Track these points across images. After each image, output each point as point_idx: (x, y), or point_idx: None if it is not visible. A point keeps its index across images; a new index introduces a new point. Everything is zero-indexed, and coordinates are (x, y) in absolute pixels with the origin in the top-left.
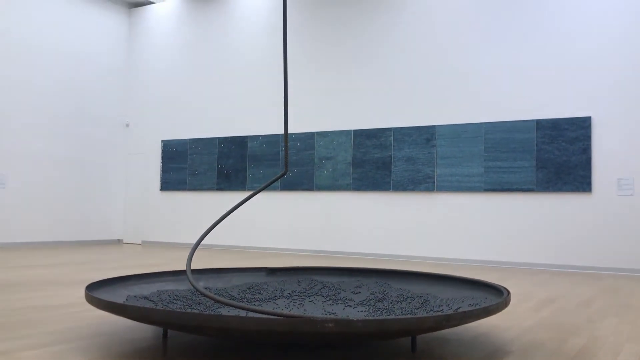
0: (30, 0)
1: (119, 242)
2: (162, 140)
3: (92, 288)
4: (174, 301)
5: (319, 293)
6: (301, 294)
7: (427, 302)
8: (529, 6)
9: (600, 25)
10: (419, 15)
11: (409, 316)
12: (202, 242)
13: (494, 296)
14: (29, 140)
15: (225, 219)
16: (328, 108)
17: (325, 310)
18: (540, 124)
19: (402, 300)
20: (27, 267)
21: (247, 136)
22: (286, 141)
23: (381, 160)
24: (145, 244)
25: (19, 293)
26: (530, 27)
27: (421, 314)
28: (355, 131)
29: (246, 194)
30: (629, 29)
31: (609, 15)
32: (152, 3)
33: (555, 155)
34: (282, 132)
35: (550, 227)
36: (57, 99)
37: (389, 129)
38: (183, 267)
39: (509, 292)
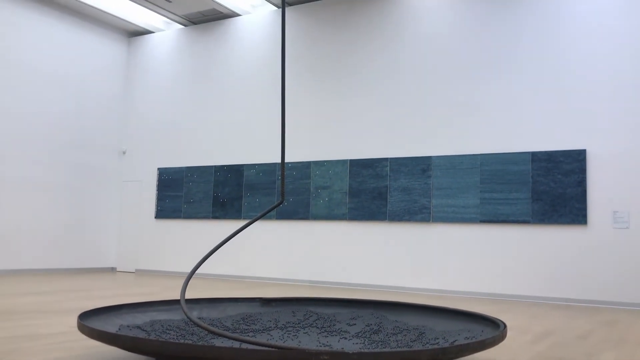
0: (29, 26)
1: (113, 270)
2: (159, 168)
3: (85, 317)
4: (167, 331)
5: (314, 324)
6: (296, 325)
7: (423, 335)
8: (525, 40)
9: (595, 60)
10: (416, 47)
11: (405, 349)
12: (196, 271)
13: (490, 329)
14: (23, 166)
15: (220, 247)
16: (324, 137)
17: (320, 342)
18: (535, 156)
19: (398, 333)
20: (18, 295)
21: (243, 164)
22: (283, 171)
23: (377, 190)
24: (139, 272)
25: (9, 321)
26: (526, 60)
27: (417, 346)
28: (351, 161)
29: (242, 222)
30: (624, 63)
31: (604, 50)
32: (151, 32)
33: (550, 187)
34: (279, 160)
35: (546, 259)
36: (53, 126)
37: (385, 159)
38: (177, 297)
39: (505, 325)
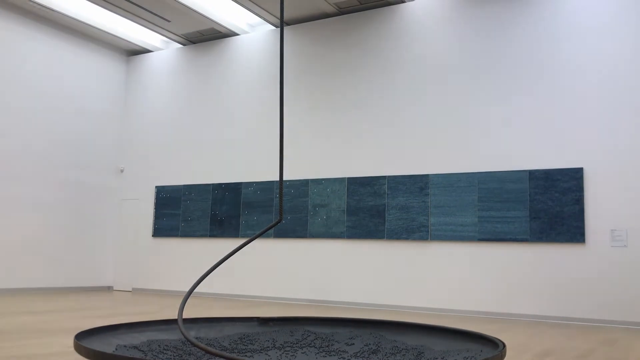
0: (26, 44)
1: (109, 289)
2: (156, 186)
3: (81, 337)
4: (164, 351)
5: (312, 344)
6: (294, 345)
7: (422, 355)
8: (522, 59)
9: (592, 78)
10: (413, 65)
11: None
12: (194, 290)
13: (489, 348)
14: (20, 184)
15: (218, 267)
16: (322, 155)
17: None
18: (532, 175)
19: (397, 352)
20: (14, 314)
21: (241, 182)
22: (281, 189)
23: (375, 208)
24: (136, 291)
25: (5, 341)
26: (523, 79)
27: None
28: (349, 179)
29: (239, 241)
30: (620, 82)
31: (600, 69)
32: (149, 51)
33: (548, 205)
34: (277, 178)
35: (544, 277)
36: (51, 144)
37: (383, 177)
38: (174, 316)
39: (504, 345)
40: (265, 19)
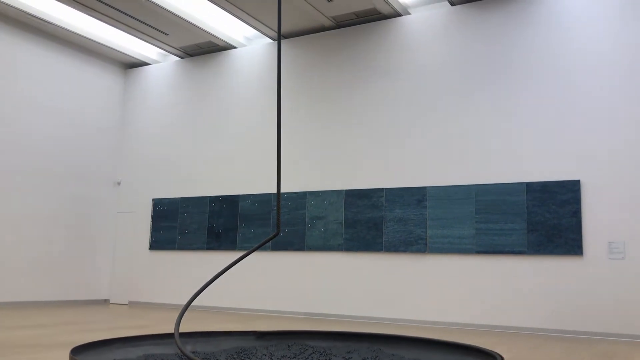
0: (24, 57)
1: (106, 302)
2: (153, 199)
3: (77, 351)
4: None
5: (310, 358)
6: (294, 359)
7: None
8: (518, 72)
9: (589, 90)
10: (410, 78)
11: None
12: (191, 304)
13: None
14: (17, 197)
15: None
16: (320, 168)
17: None
18: (530, 187)
19: None
20: (10, 329)
21: (238, 195)
22: (278, 202)
23: (372, 220)
24: (133, 304)
25: (0, 356)
26: (521, 91)
27: None
28: (346, 191)
29: (236, 254)
30: (618, 94)
31: (596, 82)
32: (147, 64)
33: (545, 218)
34: (274, 191)
35: (542, 290)
36: (48, 156)
37: (381, 190)
38: (171, 330)
39: (502, 358)
40: (262, 32)
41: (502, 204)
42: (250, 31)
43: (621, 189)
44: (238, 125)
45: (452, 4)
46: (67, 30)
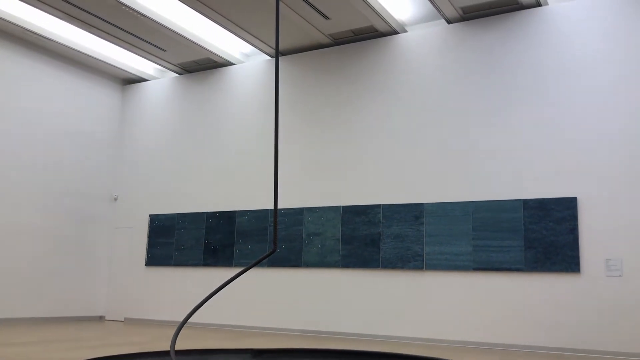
0: (21, 73)
1: (101, 319)
2: (150, 215)
3: None
4: None
5: None
6: None
7: None
8: (514, 90)
9: (583, 110)
10: (408, 95)
11: None
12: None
13: None
14: (13, 211)
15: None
16: (317, 184)
17: None
18: (527, 204)
19: None
20: (3, 345)
21: (235, 211)
22: (275, 220)
23: (370, 237)
24: (128, 320)
25: None
26: (518, 110)
27: None
28: (344, 207)
29: (233, 270)
30: (611, 113)
31: (591, 99)
32: (145, 80)
33: (542, 234)
34: (271, 207)
35: (540, 307)
36: (45, 172)
37: (378, 206)
38: (167, 347)
39: None
40: (260, 49)
41: (499, 220)
42: (247, 48)
43: (618, 206)
44: (235, 142)
45: (449, 22)
46: (65, 46)
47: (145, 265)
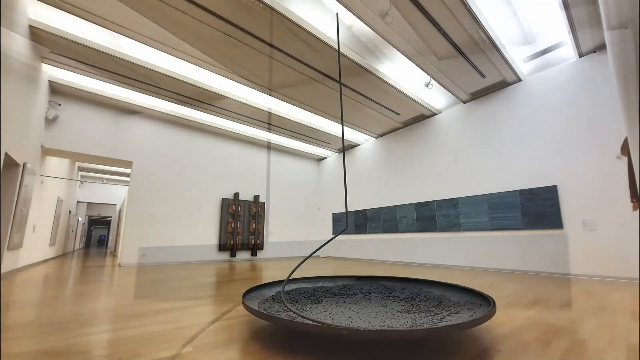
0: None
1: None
2: None
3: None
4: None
5: (381, 291)
6: (372, 292)
7: (442, 302)
8: (507, 139)
9: (557, 142)
10: (446, 146)
11: (403, 328)
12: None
13: (485, 304)
14: None
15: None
16: (402, 189)
17: (381, 303)
18: (522, 193)
19: (427, 300)
20: None
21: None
22: (346, 207)
23: (430, 217)
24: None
25: None
26: (510, 146)
27: (436, 311)
28: (416, 203)
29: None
30: (576, 139)
31: (554, 142)
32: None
33: (534, 209)
34: (381, 206)
35: (534, 248)
36: None
37: (432, 202)
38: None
39: (494, 304)
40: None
41: (504, 203)
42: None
43: (585, 189)
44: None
45: (464, 103)
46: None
47: None
